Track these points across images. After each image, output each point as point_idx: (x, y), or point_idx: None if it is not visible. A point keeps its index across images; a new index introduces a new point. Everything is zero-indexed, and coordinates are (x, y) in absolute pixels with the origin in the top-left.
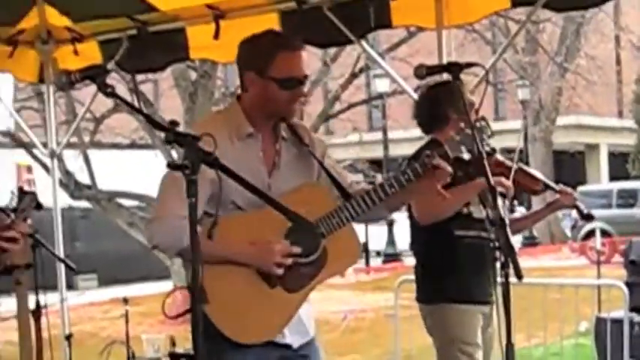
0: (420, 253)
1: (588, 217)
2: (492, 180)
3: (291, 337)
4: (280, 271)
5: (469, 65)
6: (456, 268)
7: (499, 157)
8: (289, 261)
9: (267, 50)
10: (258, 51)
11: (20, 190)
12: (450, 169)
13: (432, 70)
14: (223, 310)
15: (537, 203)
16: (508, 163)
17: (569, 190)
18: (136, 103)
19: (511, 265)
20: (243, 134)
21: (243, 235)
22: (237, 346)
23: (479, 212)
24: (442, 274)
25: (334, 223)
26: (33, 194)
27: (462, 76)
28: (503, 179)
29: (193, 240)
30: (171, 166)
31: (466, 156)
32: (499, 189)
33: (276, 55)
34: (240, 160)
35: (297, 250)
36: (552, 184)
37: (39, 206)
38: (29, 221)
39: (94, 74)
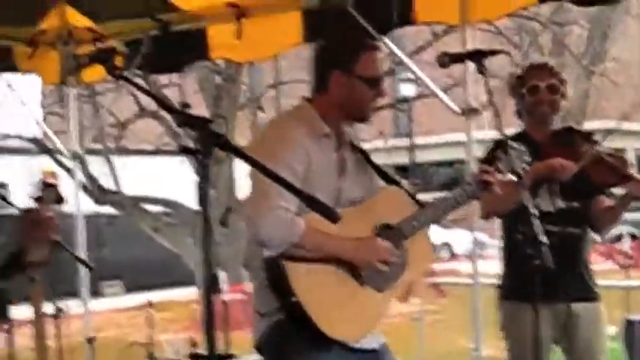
0: None
1: None
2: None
3: (370, 340)
4: (385, 268)
5: (493, 53)
6: (510, 264)
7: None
8: (392, 260)
9: (352, 49)
10: (342, 50)
11: (43, 183)
12: (498, 183)
13: (455, 57)
14: (320, 304)
15: None
16: (595, 150)
17: None
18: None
19: None
20: (319, 134)
21: (334, 232)
22: (325, 341)
23: (545, 205)
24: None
25: (414, 226)
26: (55, 187)
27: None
28: (560, 160)
29: (206, 227)
30: (184, 150)
31: (511, 176)
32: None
33: (360, 54)
34: (316, 160)
35: (396, 253)
36: (637, 176)
37: (60, 200)
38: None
39: (103, 57)
